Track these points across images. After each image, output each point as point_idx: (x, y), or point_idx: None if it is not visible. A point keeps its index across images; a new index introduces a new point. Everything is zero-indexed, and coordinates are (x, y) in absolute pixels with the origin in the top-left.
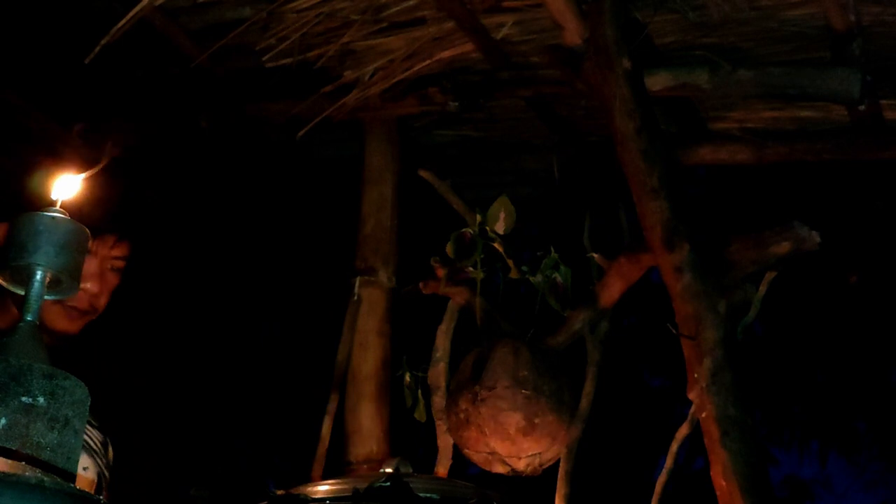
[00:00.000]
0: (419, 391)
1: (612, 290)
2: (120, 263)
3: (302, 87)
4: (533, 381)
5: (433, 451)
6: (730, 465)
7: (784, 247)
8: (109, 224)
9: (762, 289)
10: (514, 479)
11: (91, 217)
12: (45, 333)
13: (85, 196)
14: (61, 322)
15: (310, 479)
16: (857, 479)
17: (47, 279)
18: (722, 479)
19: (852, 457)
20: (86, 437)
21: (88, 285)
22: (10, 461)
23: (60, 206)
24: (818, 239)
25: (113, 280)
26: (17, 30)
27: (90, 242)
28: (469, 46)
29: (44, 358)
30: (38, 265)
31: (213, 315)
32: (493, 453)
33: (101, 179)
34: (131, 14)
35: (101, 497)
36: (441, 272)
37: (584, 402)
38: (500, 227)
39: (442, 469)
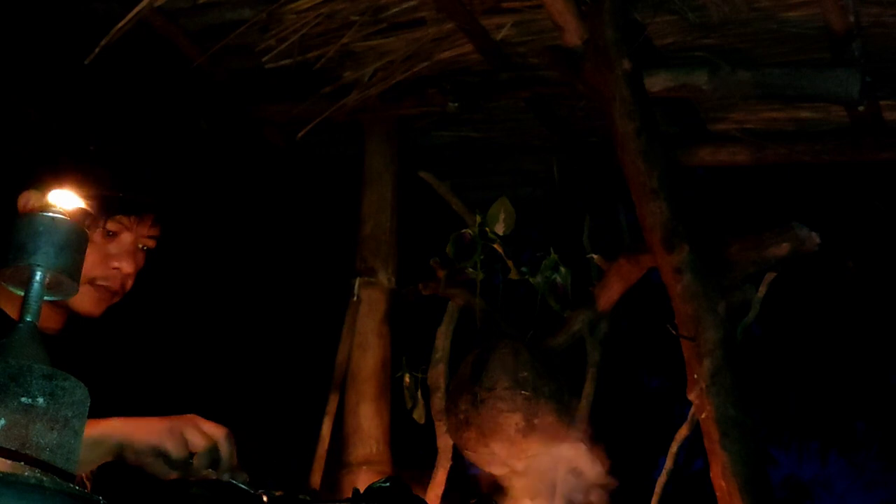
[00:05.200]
0: (419, 392)
1: (611, 292)
2: (152, 243)
3: (302, 88)
4: (532, 382)
5: (433, 451)
6: (729, 466)
7: (783, 248)
8: (151, 203)
9: (762, 290)
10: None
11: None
12: (61, 315)
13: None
14: (87, 303)
15: (310, 480)
16: (856, 480)
17: (47, 280)
18: (722, 479)
19: (852, 457)
20: None
21: (124, 264)
22: (9, 461)
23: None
24: (818, 240)
25: (141, 261)
26: (17, 31)
27: (129, 219)
28: (468, 47)
29: (43, 358)
30: (38, 266)
31: (213, 315)
32: (492, 454)
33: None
34: (131, 15)
35: (99, 498)
36: (441, 273)
37: (584, 403)
38: (499, 229)
39: (441, 470)
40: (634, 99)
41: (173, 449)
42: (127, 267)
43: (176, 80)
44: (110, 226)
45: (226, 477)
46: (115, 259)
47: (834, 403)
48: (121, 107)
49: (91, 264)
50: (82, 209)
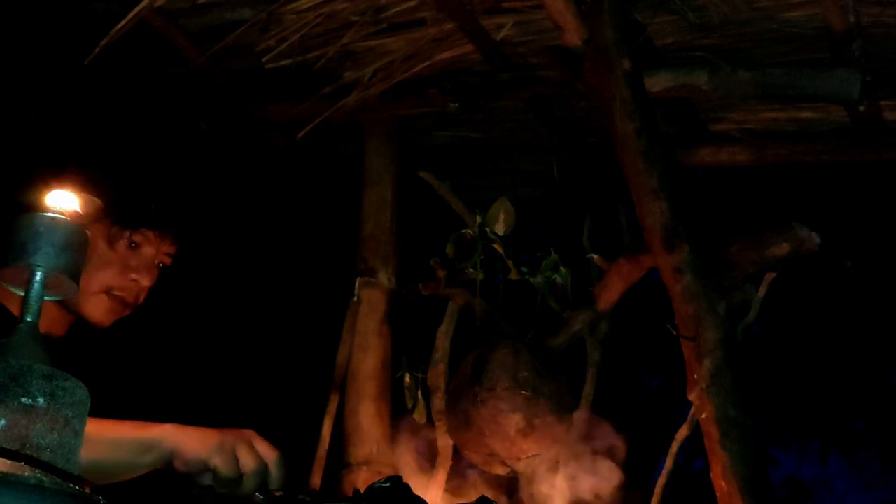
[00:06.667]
0: (419, 392)
1: (611, 292)
2: (168, 260)
3: (302, 89)
4: (533, 382)
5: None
6: (730, 467)
7: (783, 248)
8: (172, 221)
9: (762, 290)
10: None
11: (158, 212)
12: (67, 321)
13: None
14: (100, 312)
15: (310, 480)
16: (856, 480)
17: (47, 280)
18: (722, 480)
19: (852, 457)
20: None
21: (142, 277)
22: (10, 462)
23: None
24: (818, 240)
25: (155, 277)
26: (17, 31)
27: (154, 233)
28: (469, 47)
29: (44, 359)
30: (38, 266)
31: (214, 316)
32: (492, 454)
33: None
34: (131, 15)
35: (100, 498)
36: (441, 273)
37: (584, 403)
38: (499, 229)
39: (441, 470)
40: (634, 99)
41: (222, 466)
42: (144, 280)
43: (175, 80)
44: (136, 237)
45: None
46: (134, 271)
47: (834, 403)
48: (120, 107)
49: (111, 274)
50: (109, 220)
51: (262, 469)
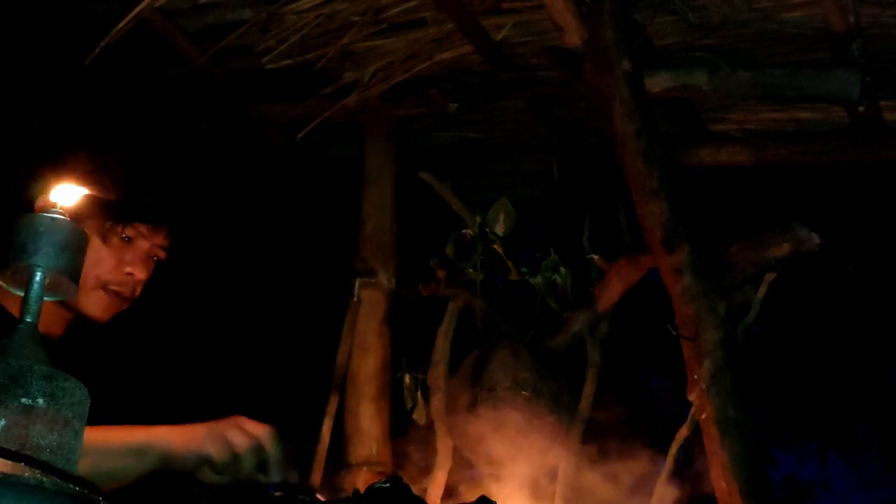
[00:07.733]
0: (419, 392)
1: (611, 292)
2: (163, 254)
3: (302, 89)
4: (532, 382)
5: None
6: (730, 467)
7: (784, 248)
8: (164, 215)
9: (762, 290)
10: None
11: (150, 204)
12: (65, 320)
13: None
14: (98, 308)
15: (310, 480)
16: (856, 480)
17: (47, 281)
18: (722, 480)
19: (852, 457)
20: None
21: (137, 270)
22: (10, 462)
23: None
24: (818, 240)
25: (150, 270)
26: (17, 31)
27: (146, 227)
28: (469, 48)
29: (43, 359)
30: (38, 266)
31: (213, 316)
32: (492, 454)
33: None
34: (131, 15)
35: (100, 498)
36: (441, 274)
37: (584, 404)
38: (499, 229)
39: (441, 471)
40: (634, 99)
41: (216, 453)
42: (140, 273)
43: (175, 80)
44: (128, 231)
45: (276, 477)
46: (129, 265)
47: (834, 403)
48: (120, 107)
49: (106, 269)
50: (102, 216)
51: (257, 446)
